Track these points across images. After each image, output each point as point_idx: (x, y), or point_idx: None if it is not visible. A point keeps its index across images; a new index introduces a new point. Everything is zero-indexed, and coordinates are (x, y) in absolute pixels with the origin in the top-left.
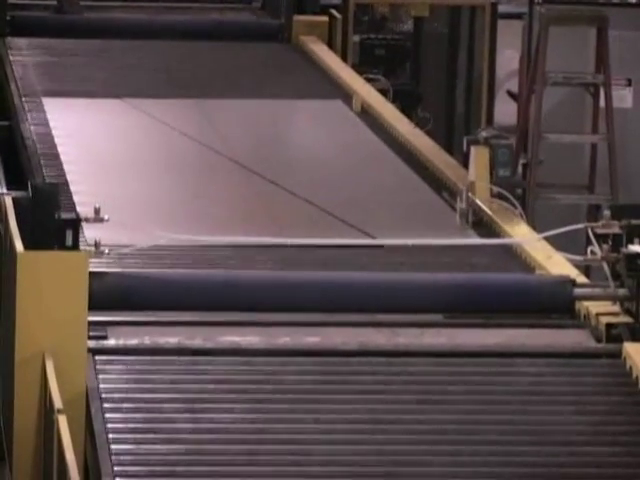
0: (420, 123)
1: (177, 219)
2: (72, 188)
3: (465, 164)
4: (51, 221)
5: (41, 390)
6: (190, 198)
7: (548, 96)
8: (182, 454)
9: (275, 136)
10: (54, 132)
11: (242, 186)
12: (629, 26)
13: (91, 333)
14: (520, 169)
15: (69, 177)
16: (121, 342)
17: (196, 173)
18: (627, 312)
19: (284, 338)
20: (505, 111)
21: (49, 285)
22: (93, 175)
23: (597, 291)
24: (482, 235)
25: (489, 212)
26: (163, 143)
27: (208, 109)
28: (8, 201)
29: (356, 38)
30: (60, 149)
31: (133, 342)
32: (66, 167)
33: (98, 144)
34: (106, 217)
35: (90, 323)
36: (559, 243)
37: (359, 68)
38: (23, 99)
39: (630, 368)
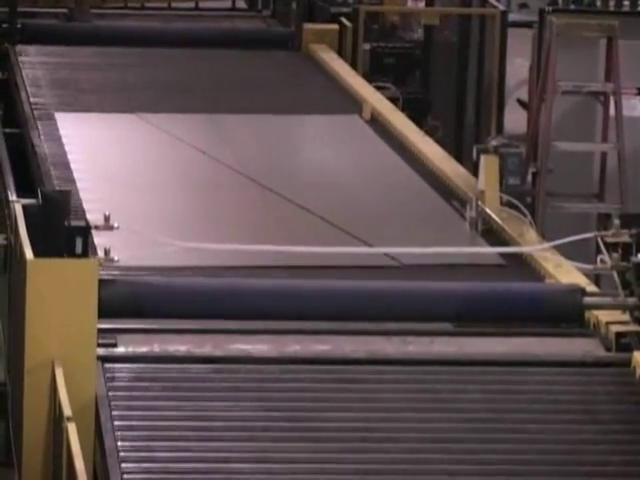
0: (430, 131)
1: (187, 233)
2: (82, 196)
3: (475, 173)
4: (61, 228)
5: (50, 398)
6: (202, 213)
7: (558, 105)
8: (191, 462)
9: (289, 152)
10: (64, 140)
11: (256, 204)
12: (639, 35)
13: (100, 341)
14: (530, 178)
15: (79, 185)
16: (130, 350)
17: (211, 189)
18: (637, 321)
19: (294, 346)
20: (515, 120)
21: (58, 293)
22: (103, 186)
23: (607, 300)
24: (492, 244)
25: (499, 221)
26: (175, 157)
27: (223, 125)
28: (18, 208)
29: (366, 46)
30: (70, 157)
31: (142, 350)
32: (76, 175)
33: (108, 155)
34: (116, 225)
35: (99, 331)
36: (569, 252)
37: (369, 76)
38: (33, 107)
39: None
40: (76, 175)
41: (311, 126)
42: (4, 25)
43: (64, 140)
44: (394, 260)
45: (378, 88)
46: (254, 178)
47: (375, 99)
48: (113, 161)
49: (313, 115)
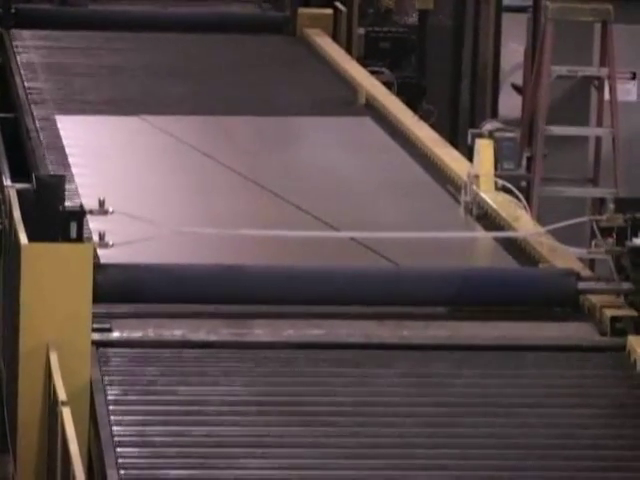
0: (425, 116)
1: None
2: (77, 181)
3: (470, 157)
4: (55, 213)
5: (45, 382)
6: (204, 212)
7: (553, 89)
8: (186, 446)
9: (293, 154)
10: (59, 125)
11: (258, 205)
12: (634, 19)
13: (95, 325)
14: (524, 162)
15: (74, 170)
16: (125, 335)
17: (210, 191)
18: (631, 305)
19: (289, 331)
20: (510, 104)
21: (53, 277)
22: (97, 169)
23: (601, 284)
24: (486, 228)
25: (493, 205)
26: (179, 159)
27: (226, 127)
28: (12, 193)
29: (361, 31)
30: (65, 142)
31: (137, 335)
32: (71, 159)
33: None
34: (110, 209)
35: (94, 315)
36: (563, 236)
37: (364, 61)
38: (28, 92)
39: (634, 361)
40: (71, 160)
41: (316, 127)
42: None
43: (59, 125)
44: (391, 262)
45: (373, 73)
46: (256, 180)
47: (370, 84)
48: (110, 152)
49: (320, 117)
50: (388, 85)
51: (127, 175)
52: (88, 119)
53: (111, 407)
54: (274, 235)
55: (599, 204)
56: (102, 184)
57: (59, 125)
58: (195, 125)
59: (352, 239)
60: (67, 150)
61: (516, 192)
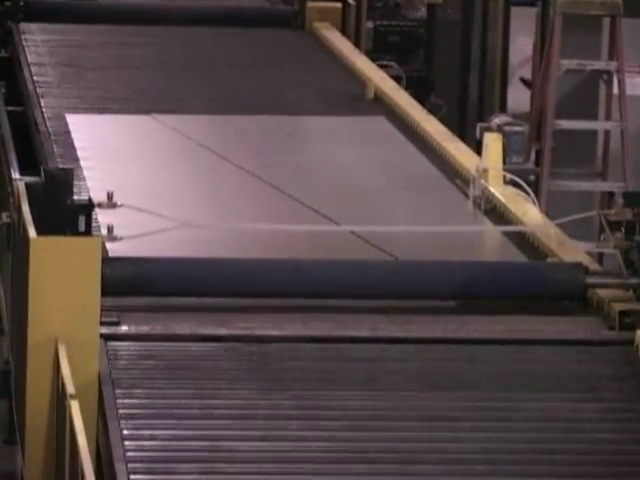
0: (433, 110)
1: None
2: (85, 174)
3: (478, 151)
4: (64, 206)
5: (53, 376)
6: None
7: (561, 83)
8: (193, 439)
9: (303, 152)
10: (68, 119)
11: (273, 204)
12: None
13: (103, 319)
14: (533, 156)
15: (82, 164)
16: (133, 328)
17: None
18: None
19: (297, 324)
20: (518, 98)
21: (61, 271)
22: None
23: (610, 279)
24: (495, 222)
25: (502, 199)
26: (192, 159)
27: (236, 124)
28: (21, 186)
29: (370, 25)
30: (74, 135)
31: (145, 328)
32: (80, 153)
33: (105, 133)
34: (119, 203)
35: (102, 309)
36: (572, 230)
37: (372, 55)
38: (36, 85)
39: None
40: (80, 154)
41: (324, 125)
42: (7, 3)
43: (68, 119)
44: (390, 255)
45: (381, 66)
46: (267, 177)
47: (378, 77)
48: (112, 139)
49: (330, 117)
50: (397, 79)
51: (136, 171)
52: (98, 115)
53: (119, 400)
54: (281, 229)
55: (608, 198)
56: (111, 179)
57: (68, 120)
58: (205, 123)
59: (360, 235)
60: (76, 144)
61: (524, 186)
